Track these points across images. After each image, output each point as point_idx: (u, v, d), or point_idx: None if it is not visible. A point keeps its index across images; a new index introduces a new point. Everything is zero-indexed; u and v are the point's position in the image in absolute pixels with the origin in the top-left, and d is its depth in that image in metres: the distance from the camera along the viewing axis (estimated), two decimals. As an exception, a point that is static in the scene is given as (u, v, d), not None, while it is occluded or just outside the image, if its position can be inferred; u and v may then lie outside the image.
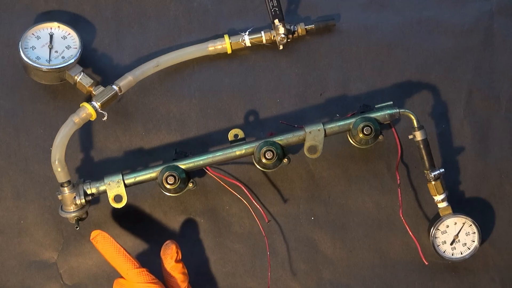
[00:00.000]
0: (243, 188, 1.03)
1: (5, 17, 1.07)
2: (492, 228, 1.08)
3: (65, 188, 0.97)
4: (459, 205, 1.06)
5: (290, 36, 1.06)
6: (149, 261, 1.05)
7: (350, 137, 1.02)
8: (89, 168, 1.05)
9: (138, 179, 0.99)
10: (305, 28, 1.07)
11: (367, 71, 1.09)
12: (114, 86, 1.01)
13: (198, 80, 1.08)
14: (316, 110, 1.08)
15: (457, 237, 1.04)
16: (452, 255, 1.05)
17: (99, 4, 1.09)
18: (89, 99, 1.01)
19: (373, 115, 1.00)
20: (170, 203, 1.06)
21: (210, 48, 1.06)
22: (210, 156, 1.00)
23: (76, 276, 1.05)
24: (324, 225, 1.07)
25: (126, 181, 0.99)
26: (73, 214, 0.98)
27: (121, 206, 0.99)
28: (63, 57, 1.01)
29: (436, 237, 1.04)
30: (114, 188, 0.99)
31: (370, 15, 1.10)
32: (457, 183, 1.08)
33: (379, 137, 1.00)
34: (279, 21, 1.05)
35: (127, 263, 0.96)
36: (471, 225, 1.04)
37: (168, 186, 0.98)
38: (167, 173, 0.98)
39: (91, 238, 0.97)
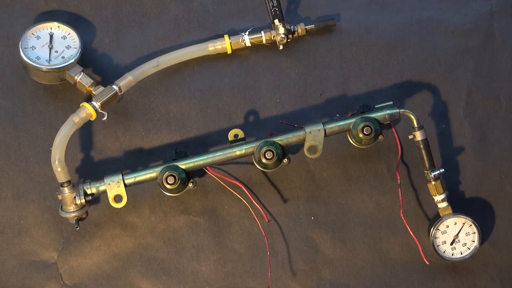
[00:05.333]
0: (243, 188, 1.03)
1: (5, 17, 1.07)
2: (492, 228, 1.08)
3: (65, 188, 0.97)
4: (459, 205, 1.06)
5: (290, 36, 1.06)
6: (149, 261, 1.05)
7: (350, 137, 1.02)
8: (89, 168, 1.05)
9: (138, 179, 0.99)
10: (305, 28, 1.07)
11: (367, 71, 1.09)
12: (114, 86, 1.01)
13: (198, 80, 1.08)
14: (316, 110, 1.08)
15: (457, 237, 1.04)
16: (452, 255, 1.04)
17: (99, 4, 1.09)
18: (89, 99, 1.01)
19: (373, 115, 1.00)
20: (170, 203, 1.06)
21: (210, 48, 1.05)
22: (210, 156, 1.00)
23: (76, 276, 1.05)
24: (324, 225, 1.07)
25: (126, 181, 0.99)
26: (73, 214, 0.98)
27: (121, 206, 0.99)
28: (63, 57, 1.01)
29: (436, 237, 1.04)
30: (114, 188, 0.99)
31: (370, 15, 1.10)
32: (457, 183, 1.08)
33: (379, 137, 1.00)
34: (279, 21, 1.05)
35: None
36: (471, 225, 1.04)
37: (168, 186, 0.98)
38: (167, 173, 0.98)
39: None
